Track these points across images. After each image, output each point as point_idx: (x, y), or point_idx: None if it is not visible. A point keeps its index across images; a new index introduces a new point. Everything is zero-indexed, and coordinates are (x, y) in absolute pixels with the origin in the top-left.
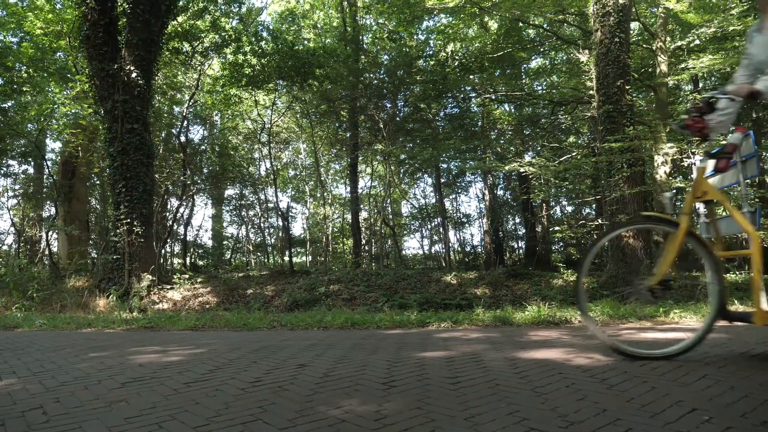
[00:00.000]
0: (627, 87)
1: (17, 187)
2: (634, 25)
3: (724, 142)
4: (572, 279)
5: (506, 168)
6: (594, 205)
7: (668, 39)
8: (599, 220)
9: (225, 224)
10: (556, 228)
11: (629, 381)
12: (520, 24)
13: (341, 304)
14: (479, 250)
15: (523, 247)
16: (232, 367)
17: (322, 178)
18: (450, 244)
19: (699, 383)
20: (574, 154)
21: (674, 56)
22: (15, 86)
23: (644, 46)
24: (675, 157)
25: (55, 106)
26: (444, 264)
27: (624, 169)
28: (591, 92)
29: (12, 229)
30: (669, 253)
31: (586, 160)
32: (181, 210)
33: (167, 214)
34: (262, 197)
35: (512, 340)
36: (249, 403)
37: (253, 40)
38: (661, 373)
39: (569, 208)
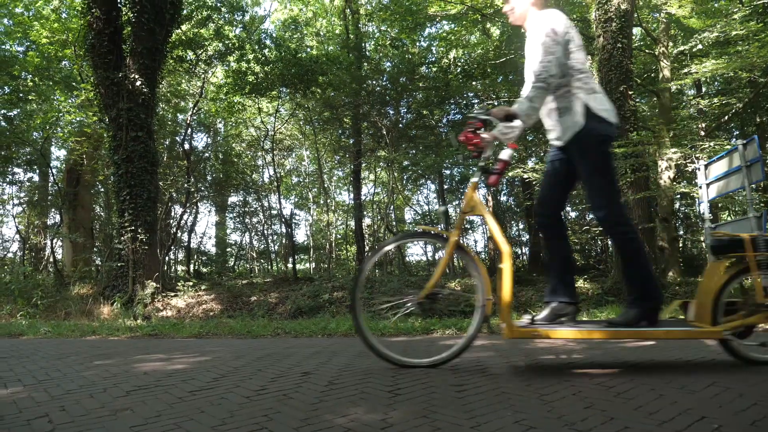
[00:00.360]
0: (630, 92)
1: (23, 194)
2: (637, 31)
3: (501, 158)
4: (577, 285)
5: (509, 174)
6: None
7: (671, 44)
8: None
9: (228, 231)
10: None
11: (636, 388)
12: (522, 30)
13: (345, 311)
14: (483, 256)
15: (527, 252)
16: (237, 376)
17: (326, 185)
18: None
19: (707, 391)
20: None
21: (677, 61)
22: (21, 95)
23: (647, 51)
24: (679, 162)
25: (61, 114)
26: (447, 270)
27: (628, 175)
28: None
29: (17, 236)
30: (439, 267)
31: None
32: (185, 217)
33: (171, 221)
34: (266, 204)
35: (517, 347)
36: (254, 412)
37: (257, 48)
38: (668, 381)
39: (573, 214)
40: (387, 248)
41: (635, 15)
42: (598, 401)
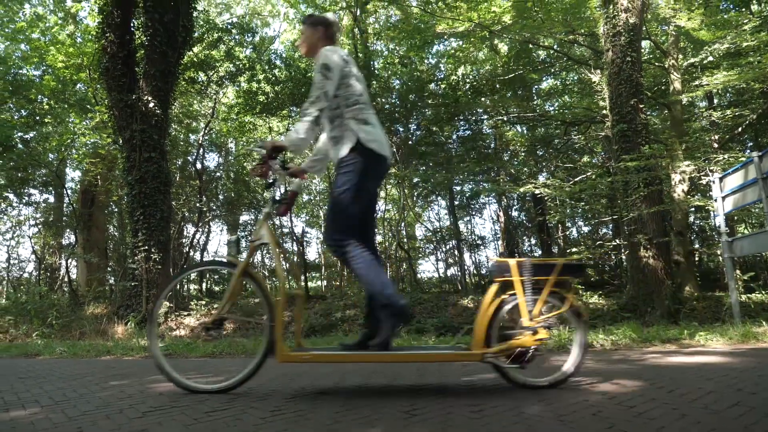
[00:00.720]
0: (641, 106)
1: (38, 215)
2: (645, 44)
3: (290, 189)
4: (592, 300)
5: (521, 190)
6: (611, 225)
7: (680, 56)
8: (617, 240)
9: (241, 250)
10: (574, 249)
11: (657, 408)
12: (531, 46)
13: (358, 329)
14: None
15: None
16: (252, 396)
17: None
18: (465, 267)
19: (731, 411)
20: (588, 174)
21: (687, 73)
22: (37, 118)
23: (656, 64)
24: (693, 175)
25: (75, 136)
26: (460, 287)
27: (641, 189)
28: (604, 112)
29: (33, 256)
30: (228, 294)
31: (601, 180)
32: (198, 236)
33: (183, 240)
34: (277, 222)
35: (534, 366)
36: None
37: (267, 68)
38: (690, 400)
39: (585, 229)
40: (175, 282)
41: (644, 28)
42: (619, 422)
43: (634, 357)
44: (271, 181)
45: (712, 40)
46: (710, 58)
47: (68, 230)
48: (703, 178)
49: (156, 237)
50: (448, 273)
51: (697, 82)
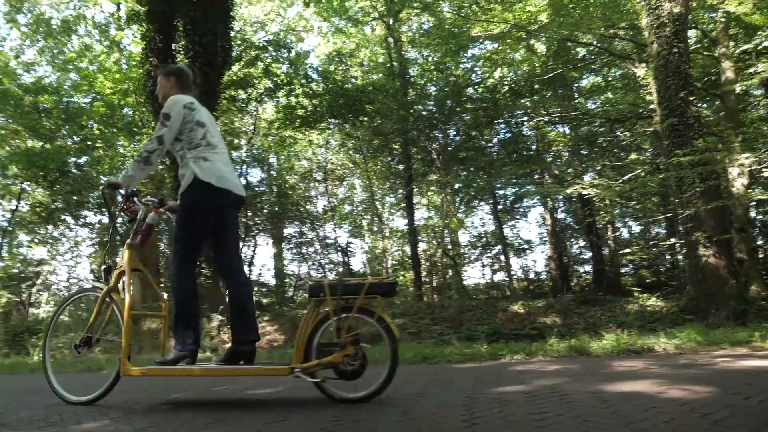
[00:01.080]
0: (691, 98)
1: (94, 236)
2: (692, 33)
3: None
4: (649, 303)
5: (567, 191)
6: (664, 224)
7: (731, 44)
8: (672, 240)
9: (286, 262)
10: (626, 250)
11: (735, 416)
12: (569, 44)
13: (408, 338)
14: (543, 276)
15: (591, 271)
16: (309, 407)
17: (378, 212)
18: (513, 272)
19: None
20: (638, 171)
21: (740, 61)
22: (89, 143)
23: (705, 53)
24: (753, 168)
25: (125, 158)
26: (509, 293)
27: (697, 184)
28: (651, 106)
29: (91, 275)
30: (93, 314)
31: (652, 177)
32: (245, 251)
33: None
34: (321, 234)
35: (594, 372)
36: None
37: (304, 82)
38: None
39: (637, 228)
40: (60, 312)
41: (690, 17)
42: (695, 431)
43: (702, 361)
44: (131, 216)
45: (766, 24)
46: (766, 44)
47: (121, 249)
48: (763, 170)
49: (205, 253)
50: (495, 278)
51: (751, 70)
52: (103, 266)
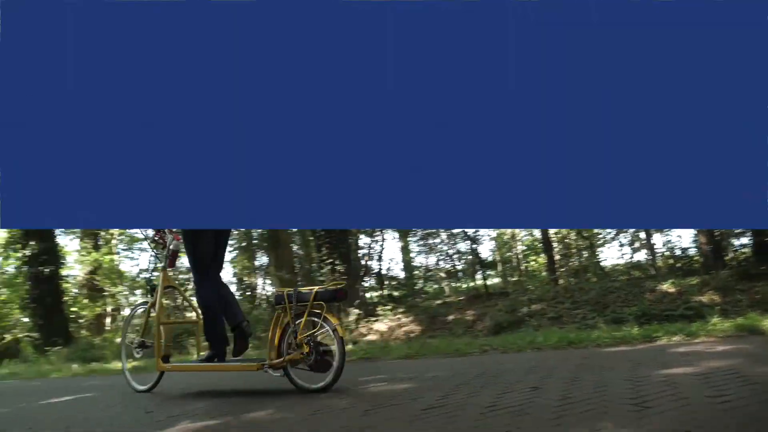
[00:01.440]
0: None
1: (234, 242)
2: None
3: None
4: None
5: None
6: None
7: None
8: None
9: (413, 255)
10: None
11: None
12: None
13: (547, 323)
14: (692, 252)
15: (750, 243)
16: (461, 393)
17: None
18: (656, 249)
19: None
20: None
21: None
22: None
23: None
24: None
25: None
26: (653, 272)
27: None
28: None
29: (234, 278)
30: (143, 323)
31: None
32: (374, 246)
33: (359, 251)
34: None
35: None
36: (495, 427)
37: None
38: None
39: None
40: (128, 322)
41: None
42: None
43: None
44: (162, 244)
45: None
46: None
47: (260, 252)
48: None
49: (338, 250)
50: (635, 258)
51: None
52: (148, 286)
